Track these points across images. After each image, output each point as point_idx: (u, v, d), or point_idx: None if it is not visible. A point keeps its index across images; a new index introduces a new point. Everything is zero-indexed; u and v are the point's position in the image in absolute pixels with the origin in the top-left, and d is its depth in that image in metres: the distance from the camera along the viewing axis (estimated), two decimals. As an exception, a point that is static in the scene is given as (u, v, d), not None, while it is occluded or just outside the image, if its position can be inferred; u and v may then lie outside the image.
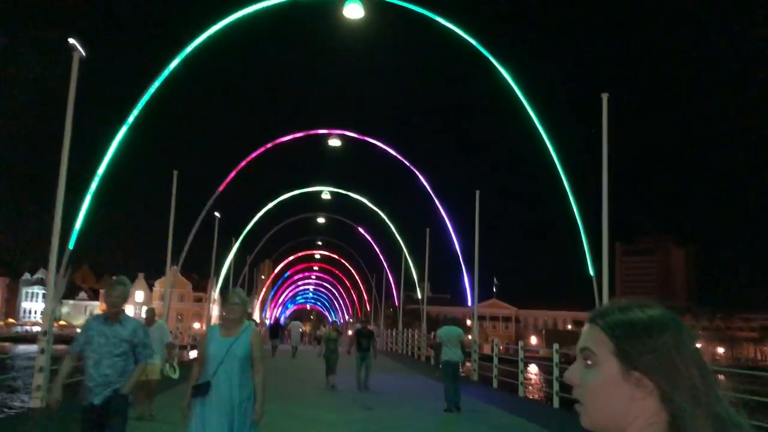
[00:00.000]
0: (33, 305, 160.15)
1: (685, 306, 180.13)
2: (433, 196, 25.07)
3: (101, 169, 12.90)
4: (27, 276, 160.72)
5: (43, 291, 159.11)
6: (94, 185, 12.88)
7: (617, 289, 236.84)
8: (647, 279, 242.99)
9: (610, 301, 1.28)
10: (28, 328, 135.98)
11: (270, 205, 34.65)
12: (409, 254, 36.72)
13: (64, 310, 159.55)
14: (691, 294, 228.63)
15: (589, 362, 1.20)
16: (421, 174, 25.31)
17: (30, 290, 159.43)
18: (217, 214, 30.76)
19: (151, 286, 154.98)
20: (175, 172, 20.99)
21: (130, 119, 13.15)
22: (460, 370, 14.37)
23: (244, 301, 5.65)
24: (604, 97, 12.72)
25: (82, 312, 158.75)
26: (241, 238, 35.24)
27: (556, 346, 15.18)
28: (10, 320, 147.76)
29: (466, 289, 27.31)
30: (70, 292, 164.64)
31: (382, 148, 24.66)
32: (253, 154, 23.24)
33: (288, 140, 23.44)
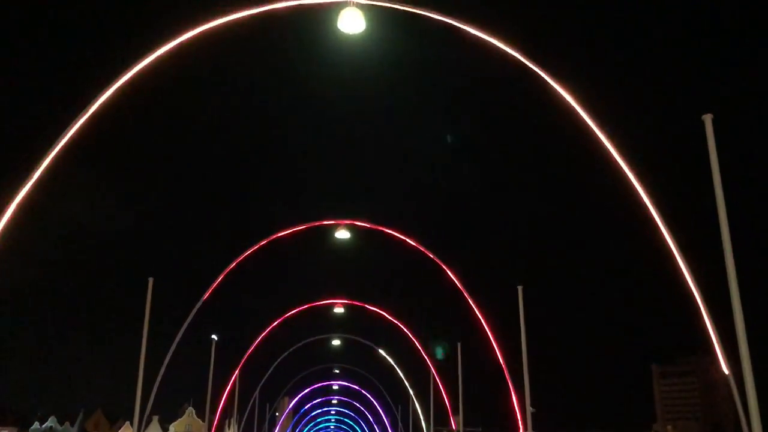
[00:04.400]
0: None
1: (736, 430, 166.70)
2: (464, 292, 20.89)
3: None
4: (36, 425, 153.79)
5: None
6: None
7: (658, 414, 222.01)
8: (689, 402, 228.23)
9: None
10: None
11: (275, 324, 30.48)
12: (438, 377, 31.71)
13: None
14: (738, 416, 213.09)
15: None
16: (449, 268, 21.33)
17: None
18: (214, 336, 26.62)
19: (165, 429, 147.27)
20: (150, 279, 17.30)
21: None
22: None
23: None
24: (707, 119, 9.35)
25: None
26: (242, 362, 30.78)
27: None
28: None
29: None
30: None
31: (399, 237, 20.94)
32: (247, 253, 19.65)
33: (287, 234, 19.91)
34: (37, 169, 10.35)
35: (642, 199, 10.61)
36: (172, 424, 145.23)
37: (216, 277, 19.82)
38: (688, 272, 10.30)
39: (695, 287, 10.33)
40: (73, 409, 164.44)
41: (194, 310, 18.87)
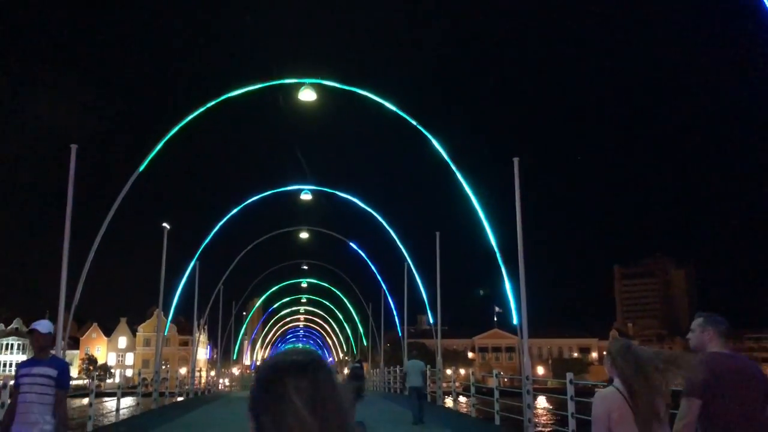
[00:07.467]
0: (8, 357, 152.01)
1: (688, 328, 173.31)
2: (449, 161, 18.04)
3: None
4: (1, 327, 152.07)
5: (19, 342, 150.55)
6: None
7: (618, 312, 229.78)
8: (648, 301, 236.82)
9: None
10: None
11: (234, 211, 27.73)
12: (415, 270, 29.54)
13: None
14: (693, 315, 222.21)
15: None
16: (433, 135, 18.28)
17: (5, 341, 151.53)
18: (165, 225, 23.79)
19: (134, 332, 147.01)
20: (73, 147, 14.13)
21: None
22: (425, 392, 19.16)
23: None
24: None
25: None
26: (197, 254, 28.26)
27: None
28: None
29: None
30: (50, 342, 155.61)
31: (374, 100, 17.69)
32: (189, 117, 16.34)
33: (240, 94, 16.59)
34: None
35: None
36: (141, 325, 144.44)
37: (154, 148, 16.54)
38: None
39: None
40: (40, 313, 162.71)
41: (128, 184, 15.79)
